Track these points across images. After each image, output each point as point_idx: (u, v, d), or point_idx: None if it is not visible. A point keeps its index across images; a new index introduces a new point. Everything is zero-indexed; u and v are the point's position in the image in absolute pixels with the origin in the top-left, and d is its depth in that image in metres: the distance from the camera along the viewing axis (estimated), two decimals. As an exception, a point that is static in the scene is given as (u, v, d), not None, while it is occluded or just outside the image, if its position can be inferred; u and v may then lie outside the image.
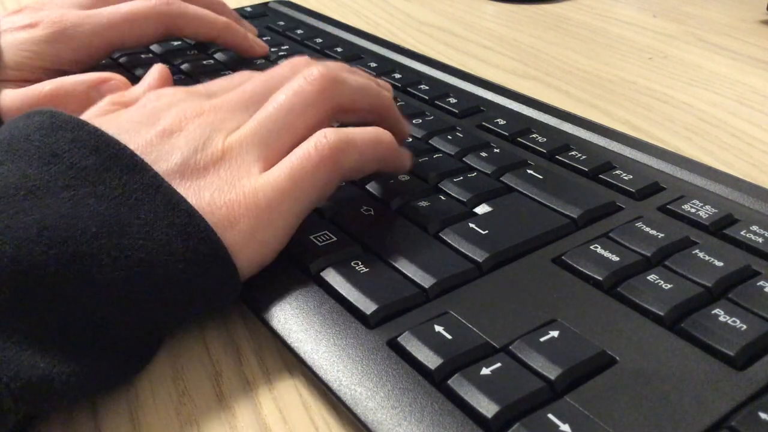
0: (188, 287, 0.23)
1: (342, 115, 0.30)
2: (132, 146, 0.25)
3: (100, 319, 0.21)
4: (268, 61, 0.45)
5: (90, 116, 0.29)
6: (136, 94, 0.31)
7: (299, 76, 0.28)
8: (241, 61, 0.45)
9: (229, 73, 0.33)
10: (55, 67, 0.38)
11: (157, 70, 0.34)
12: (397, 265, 0.25)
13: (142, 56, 0.46)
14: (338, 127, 0.28)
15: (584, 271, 0.25)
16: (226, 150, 0.26)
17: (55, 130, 0.24)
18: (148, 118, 0.27)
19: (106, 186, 0.23)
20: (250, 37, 0.45)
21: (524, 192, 0.30)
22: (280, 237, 0.25)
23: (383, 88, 0.32)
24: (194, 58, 0.45)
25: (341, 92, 0.29)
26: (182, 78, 0.43)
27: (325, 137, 0.26)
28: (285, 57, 0.46)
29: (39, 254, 0.21)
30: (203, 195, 0.25)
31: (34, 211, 0.21)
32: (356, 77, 0.30)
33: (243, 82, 0.31)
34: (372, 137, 0.28)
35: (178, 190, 0.24)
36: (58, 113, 0.25)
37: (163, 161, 0.25)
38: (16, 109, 0.36)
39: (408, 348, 0.22)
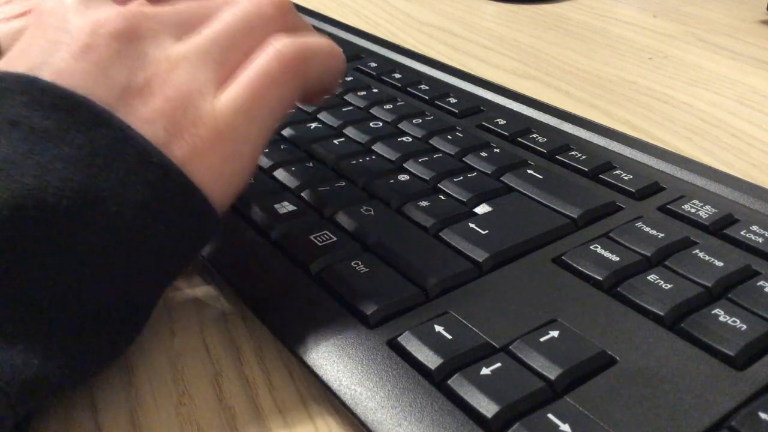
0: (169, 243, 0.22)
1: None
2: (51, 74, 0.22)
3: (84, 297, 0.21)
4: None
5: (26, 37, 0.24)
6: None
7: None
8: None
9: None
10: None
11: None
12: (397, 265, 0.25)
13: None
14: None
15: (584, 271, 0.25)
16: (172, 68, 0.23)
17: (6, 95, 0.22)
18: (61, 34, 0.23)
19: (71, 146, 0.21)
20: None
21: (524, 192, 0.30)
22: (250, 161, 0.24)
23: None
24: None
25: (294, 21, 0.26)
26: None
27: (286, 46, 0.24)
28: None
29: (12, 240, 0.19)
30: (157, 130, 0.22)
31: (1, 187, 0.19)
32: (322, 44, 0.26)
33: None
34: (329, 45, 0.26)
35: (131, 125, 0.22)
36: (4, 74, 0.22)
37: (103, 88, 0.22)
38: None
39: (408, 348, 0.22)
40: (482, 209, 0.29)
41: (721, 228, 0.28)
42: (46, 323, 0.20)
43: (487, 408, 0.19)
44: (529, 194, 0.30)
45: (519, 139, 0.35)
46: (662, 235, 0.27)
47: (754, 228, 0.27)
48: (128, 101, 0.22)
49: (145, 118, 0.22)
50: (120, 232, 0.21)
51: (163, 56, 0.23)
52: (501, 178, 0.31)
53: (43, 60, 0.23)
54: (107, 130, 0.21)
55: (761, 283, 0.24)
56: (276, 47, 0.24)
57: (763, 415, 0.19)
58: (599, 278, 0.25)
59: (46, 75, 0.22)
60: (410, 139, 0.35)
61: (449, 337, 0.22)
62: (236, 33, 0.25)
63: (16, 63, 0.23)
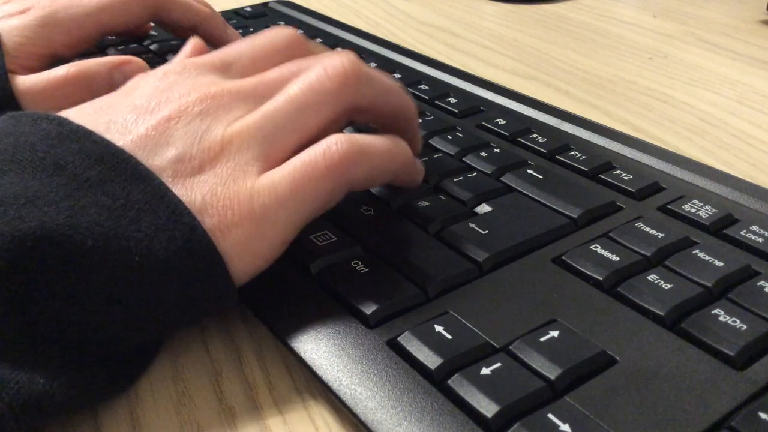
0: (184, 301, 0.22)
1: (360, 116, 0.27)
2: (127, 139, 0.24)
3: (95, 331, 0.21)
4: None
5: (100, 99, 0.27)
6: None
7: (319, 66, 0.26)
8: None
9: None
10: (48, 51, 0.39)
11: (191, 39, 0.31)
12: (397, 265, 0.25)
13: (142, 56, 0.46)
14: (352, 130, 0.26)
15: (584, 271, 0.25)
16: (225, 144, 0.24)
17: (62, 141, 0.23)
18: (148, 102, 0.25)
19: (108, 196, 0.22)
20: (228, 30, 0.46)
21: (524, 192, 0.30)
22: (275, 247, 0.24)
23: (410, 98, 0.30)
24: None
25: (363, 92, 0.26)
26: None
27: (336, 144, 0.24)
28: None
29: (34, 266, 0.20)
30: (195, 196, 0.23)
31: (31, 218, 0.20)
32: (382, 77, 0.27)
33: (264, 55, 0.28)
34: (388, 148, 0.26)
35: (171, 188, 0.23)
36: (66, 122, 0.24)
37: (158, 155, 0.24)
38: (39, 93, 0.36)
39: (408, 348, 0.22)
40: (482, 209, 0.29)
41: (721, 228, 0.28)
42: (54, 349, 0.21)
43: (487, 408, 0.19)
44: (529, 194, 0.30)
45: (519, 139, 0.35)
46: (662, 235, 0.27)
47: (754, 228, 0.27)
48: (177, 170, 0.23)
49: (188, 187, 0.23)
50: (138, 283, 0.21)
51: (221, 132, 0.24)
52: (501, 178, 0.31)
53: (127, 122, 0.24)
54: (144, 186, 0.22)
55: (761, 283, 0.24)
56: (328, 143, 0.24)
57: (763, 415, 0.19)
58: (599, 278, 0.25)
59: (111, 134, 0.24)
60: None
61: (449, 337, 0.22)
62: (299, 110, 0.25)
63: (96, 118, 0.25)
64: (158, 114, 0.25)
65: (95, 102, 0.26)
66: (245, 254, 0.23)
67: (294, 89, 0.25)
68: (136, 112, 0.25)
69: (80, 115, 0.25)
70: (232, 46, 0.29)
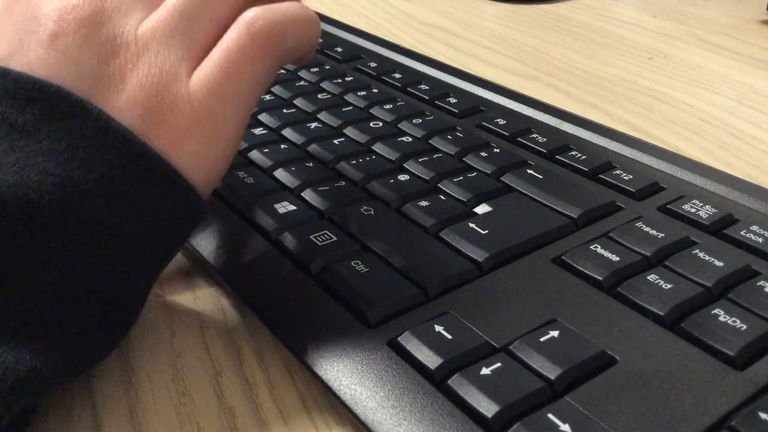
0: (156, 232, 0.22)
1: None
2: (22, 65, 0.21)
3: (74, 292, 0.20)
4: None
5: None
6: None
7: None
8: None
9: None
10: None
11: None
12: (397, 265, 0.25)
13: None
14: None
15: (584, 271, 0.25)
16: (141, 50, 0.22)
17: None
18: (29, 22, 0.22)
19: (51, 139, 0.20)
20: None
21: (524, 192, 0.30)
22: (231, 145, 0.23)
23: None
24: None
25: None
26: None
27: (258, 19, 0.23)
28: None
29: None
30: (134, 118, 0.21)
31: None
32: (294, 13, 0.25)
33: None
34: (302, 12, 0.24)
35: (104, 110, 0.21)
36: None
37: (74, 77, 0.21)
38: None
39: (408, 348, 0.22)
40: (482, 209, 0.29)
41: (721, 228, 0.28)
42: (36, 319, 0.20)
43: (487, 408, 0.19)
44: (529, 194, 0.30)
45: (519, 139, 0.35)
46: (662, 235, 0.27)
47: (754, 228, 0.27)
48: (101, 90, 0.22)
49: (120, 107, 0.22)
50: (106, 225, 0.21)
51: (132, 38, 0.22)
52: (501, 178, 0.31)
53: (13, 50, 0.22)
54: (86, 120, 0.21)
55: (761, 283, 0.24)
56: (247, 20, 0.23)
57: (763, 415, 0.19)
58: (599, 278, 0.25)
59: (17, 66, 0.22)
60: (410, 139, 0.35)
61: (449, 337, 0.22)
62: (201, 3, 0.23)
63: None
64: (57, 31, 0.22)
65: None
66: (204, 162, 0.22)
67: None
68: (34, 37, 0.22)
69: None
70: None
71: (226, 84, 0.22)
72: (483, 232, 0.27)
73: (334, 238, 0.27)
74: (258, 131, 0.36)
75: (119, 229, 0.21)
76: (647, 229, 0.27)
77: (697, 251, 0.26)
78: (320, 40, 0.26)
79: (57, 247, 0.20)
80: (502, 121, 0.37)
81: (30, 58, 0.22)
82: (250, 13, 0.23)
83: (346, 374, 0.22)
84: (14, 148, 0.20)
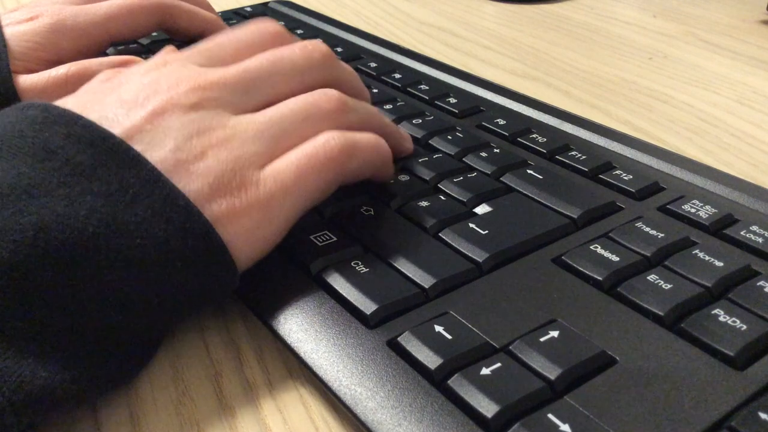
0: (186, 285, 0.23)
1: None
2: (120, 131, 0.24)
3: (99, 321, 0.21)
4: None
5: (84, 91, 0.27)
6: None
7: (319, 92, 0.28)
8: None
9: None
10: (55, 57, 0.39)
11: (169, 46, 0.32)
12: (397, 265, 0.25)
13: (141, 55, 0.46)
14: None
15: (584, 271, 0.25)
16: (229, 136, 0.25)
17: (49, 125, 0.23)
18: (136, 96, 0.25)
19: (102, 182, 0.22)
20: None
21: (524, 192, 0.30)
22: (279, 233, 0.25)
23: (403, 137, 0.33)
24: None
25: (350, 120, 0.29)
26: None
27: (334, 139, 0.26)
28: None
29: (36, 258, 0.20)
30: (202, 184, 0.24)
31: (30, 211, 0.21)
32: (368, 142, 0.28)
33: (245, 46, 0.29)
34: (375, 143, 0.28)
35: (173, 181, 0.23)
36: (51, 107, 0.24)
37: (155, 147, 0.24)
38: (40, 91, 0.36)
39: (408, 348, 0.22)
40: (482, 209, 0.29)
41: (721, 228, 0.28)
42: (57, 342, 0.21)
43: (487, 408, 0.19)
44: (529, 194, 0.30)
45: (519, 139, 0.35)
46: (662, 235, 0.27)
47: (754, 228, 0.27)
48: (179, 159, 0.24)
49: (193, 173, 0.24)
50: (140, 265, 0.22)
51: (223, 124, 0.25)
52: (501, 178, 0.31)
53: (117, 114, 0.24)
54: (138, 171, 0.23)
55: (761, 283, 0.24)
56: (325, 137, 0.26)
57: (763, 415, 0.19)
58: (599, 278, 0.25)
59: (114, 129, 0.24)
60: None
61: (449, 337, 0.22)
62: (295, 119, 0.27)
63: (87, 111, 0.24)
64: (148, 106, 0.25)
65: (79, 96, 0.26)
66: (251, 240, 0.24)
67: (297, 101, 0.27)
68: (126, 106, 0.25)
69: (67, 107, 0.25)
70: (214, 39, 0.30)
71: (292, 180, 0.25)
72: (483, 232, 0.27)
73: (334, 238, 0.27)
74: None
75: (152, 272, 0.22)
76: (647, 229, 0.27)
77: (697, 251, 0.26)
78: (391, 173, 0.30)
79: (91, 277, 0.21)
80: (502, 121, 0.37)
81: (126, 126, 0.24)
82: (330, 133, 0.27)
83: (346, 374, 0.22)
84: (67, 184, 0.22)
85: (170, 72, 0.27)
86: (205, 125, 0.25)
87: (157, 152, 0.24)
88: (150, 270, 0.22)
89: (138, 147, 0.23)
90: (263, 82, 0.28)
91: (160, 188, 0.23)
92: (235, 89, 0.27)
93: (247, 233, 0.24)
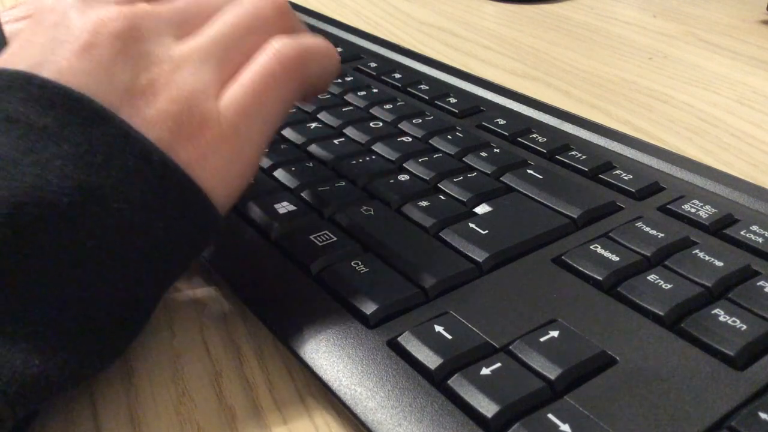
0: (170, 243, 0.22)
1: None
2: (52, 73, 0.22)
3: (86, 297, 0.21)
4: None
5: (20, 39, 0.24)
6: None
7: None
8: None
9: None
10: None
11: None
12: (397, 265, 0.25)
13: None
14: None
15: (584, 271, 0.25)
16: (176, 68, 0.23)
17: (4, 92, 0.21)
18: (62, 31, 0.23)
19: (70, 143, 0.21)
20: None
21: (524, 192, 0.30)
22: (252, 163, 0.24)
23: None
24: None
25: (294, 27, 0.26)
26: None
27: (286, 46, 0.24)
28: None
29: (12, 241, 0.19)
30: (162, 131, 0.22)
31: (0, 186, 0.19)
32: (318, 46, 0.26)
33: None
34: (325, 45, 0.26)
35: (132, 124, 0.22)
36: (1, 72, 0.22)
37: (104, 88, 0.22)
38: None
39: (408, 348, 0.22)
40: (482, 209, 0.29)
41: (721, 228, 0.28)
42: (46, 323, 0.20)
43: (487, 408, 0.19)
44: (529, 194, 0.30)
45: (519, 139, 0.35)
46: (662, 235, 0.27)
47: (754, 228, 0.27)
48: (132, 102, 0.22)
49: (149, 120, 0.22)
50: (121, 230, 0.21)
51: (166, 56, 0.23)
52: (501, 178, 0.31)
53: (44, 58, 0.22)
54: (107, 128, 0.21)
55: (761, 283, 0.24)
56: (276, 47, 0.24)
57: (763, 415, 0.19)
58: (599, 278, 0.25)
59: (47, 73, 0.22)
60: (410, 139, 0.35)
61: (449, 337, 0.22)
62: (237, 33, 0.25)
63: (15, 60, 0.23)
64: (92, 42, 0.22)
65: (16, 42, 0.24)
66: (226, 178, 0.23)
67: (233, 13, 0.25)
68: (67, 47, 0.23)
69: (9, 61, 0.23)
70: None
71: (253, 104, 0.23)
72: (483, 232, 0.27)
73: (334, 238, 0.27)
74: (258, 131, 0.36)
75: (134, 235, 0.21)
76: (647, 229, 0.27)
77: (697, 251, 0.26)
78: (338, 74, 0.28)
79: (72, 250, 0.20)
80: (502, 121, 0.37)
81: (61, 66, 0.22)
82: (280, 41, 0.24)
83: (346, 374, 0.22)
84: (33, 150, 0.20)
85: (105, 6, 0.24)
86: (149, 57, 0.23)
87: (108, 95, 0.22)
88: (131, 234, 0.21)
89: (82, 88, 0.22)
90: (201, 11, 0.26)
91: (131, 143, 0.21)
92: (176, 19, 0.25)
93: (220, 172, 0.23)
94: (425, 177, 0.31)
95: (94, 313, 0.21)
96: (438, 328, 0.22)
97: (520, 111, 0.39)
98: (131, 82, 0.22)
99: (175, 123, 0.22)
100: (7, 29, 0.38)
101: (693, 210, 0.29)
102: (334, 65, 0.27)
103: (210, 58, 0.24)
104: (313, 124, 0.37)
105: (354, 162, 0.32)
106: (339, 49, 0.48)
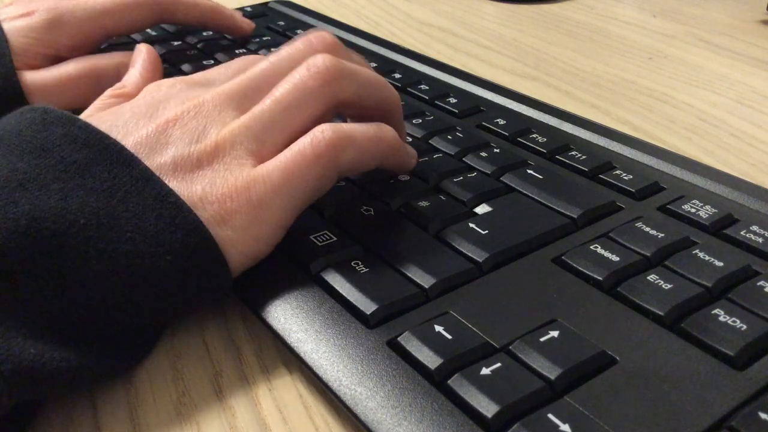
0: (177, 280, 0.23)
1: (345, 110, 0.29)
2: (129, 140, 0.25)
3: (90, 311, 0.22)
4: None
5: (92, 110, 0.29)
6: (133, 82, 0.32)
7: (302, 67, 0.27)
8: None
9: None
10: (53, 52, 0.39)
11: (143, 51, 0.34)
12: (397, 265, 0.25)
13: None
14: (341, 121, 0.27)
15: (584, 271, 0.25)
16: (219, 143, 0.26)
17: (47, 126, 0.24)
18: (147, 110, 0.27)
19: (95, 179, 0.23)
20: (236, 16, 0.47)
21: (524, 192, 0.30)
22: (274, 233, 0.25)
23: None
24: (195, 57, 0.45)
25: (346, 87, 0.28)
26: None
27: (322, 133, 0.26)
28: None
29: (28, 247, 0.21)
30: (195, 189, 0.24)
31: (23, 202, 0.21)
32: (365, 70, 0.29)
33: (244, 68, 0.30)
34: (373, 134, 0.27)
35: (169, 184, 0.24)
36: (50, 110, 0.25)
37: (157, 154, 0.25)
38: (49, 88, 0.37)
39: (408, 348, 0.22)
40: (482, 209, 0.29)
41: (721, 228, 0.28)
42: (48, 325, 0.21)
43: (487, 408, 0.19)
44: (529, 194, 0.30)
45: (519, 139, 0.35)
46: (662, 235, 0.27)
47: (754, 228, 0.27)
48: (175, 164, 0.25)
49: (185, 179, 0.25)
50: (130, 257, 0.22)
51: (215, 138, 0.26)
52: (501, 178, 0.31)
53: (125, 123, 0.26)
54: (130, 170, 0.24)
55: (761, 283, 0.24)
56: (315, 132, 0.26)
57: (763, 415, 0.19)
58: (599, 278, 0.25)
59: (116, 136, 0.25)
60: (410, 139, 0.35)
61: (449, 337, 0.22)
62: (285, 109, 0.27)
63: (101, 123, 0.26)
64: (157, 119, 0.26)
65: (96, 108, 0.28)
66: (245, 238, 0.24)
67: (279, 90, 0.27)
68: (135, 117, 0.26)
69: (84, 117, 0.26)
70: (212, 69, 0.31)
71: (280, 178, 0.25)
72: (483, 232, 0.27)
73: (334, 238, 0.27)
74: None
75: (141, 266, 0.22)
76: (647, 229, 0.27)
77: (697, 251, 0.26)
78: (413, 161, 0.30)
79: (81, 266, 0.21)
80: (502, 121, 0.37)
81: (135, 135, 0.25)
82: (320, 127, 0.26)
83: (346, 374, 0.22)
84: (61, 179, 0.23)
85: (178, 91, 0.28)
86: (203, 134, 0.26)
87: (156, 158, 0.25)
88: (139, 262, 0.22)
89: (140, 153, 0.25)
90: (263, 82, 0.28)
91: (151, 186, 0.24)
92: (237, 99, 0.28)
93: (238, 233, 0.24)
94: (425, 177, 0.31)
95: (94, 327, 0.22)
96: (438, 328, 0.22)
97: (520, 111, 0.39)
98: (181, 152, 0.25)
99: (208, 184, 0.25)
100: (5, 27, 0.38)
101: (693, 210, 0.29)
102: (380, 151, 0.28)
103: (250, 135, 0.26)
104: (313, 124, 0.37)
105: (354, 162, 0.32)
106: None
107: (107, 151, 0.24)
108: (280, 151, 0.26)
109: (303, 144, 0.26)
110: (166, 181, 0.24)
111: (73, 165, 0.23)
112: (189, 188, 0.24)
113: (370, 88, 0.29)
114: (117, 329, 0.23)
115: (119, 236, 0.22)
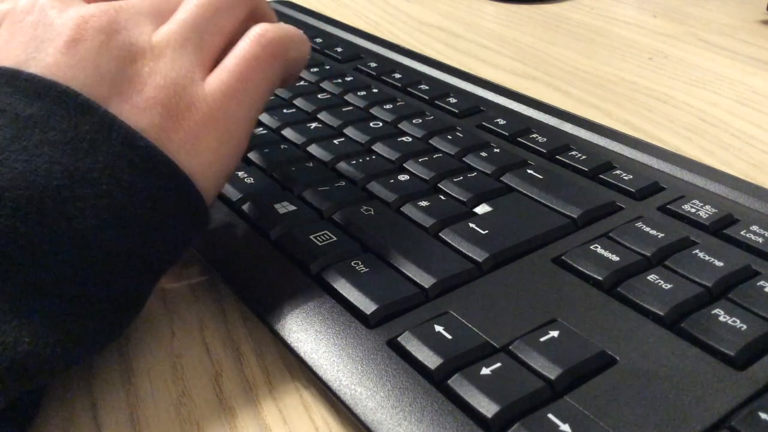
0: (160, 225, 0.22)
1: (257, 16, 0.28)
2: (39, 69, 0.23)
3: (78, 276, 0.21)
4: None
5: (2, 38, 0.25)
6: None
7: None
8: None
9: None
10: None
11: None
12: (397, 265, 0.25)
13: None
14: None
15: (584, 271, 0.25)
16: (157, 56, 0.24)
17: None
18: (43, 30, 0.24)
19: (56, 131, 0.21)
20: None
21: (524, 192, 0.30)
22: (241, 143, 0.25)
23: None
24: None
25: None
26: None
27: (267, 32, 0.25)
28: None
29: (4, 218, 0.20)
30: (153, 119, 0.23)
31: None
32: None
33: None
34: (300, 33, 0.27)
35: (127, 121, 0.22)
36: None
37: (92, 82, 0.23)
38: None
39: (408, 348, 0.22)
40: (482, 209, 0.29)
41: (721, 228, 0.28)
42: (39, 303, 0.20)
43: (487, 408, 0.19)
44: (529, 194, 0.30)
45: (519, 139, 0.35)
46: (662, 235, 0.27)
47: (754, 228, 0.27)
48: (120, 92, 0.23)
49: (139, 107, 0.23)
50: (111, 211, 0.21)
51: (147, 45, 0.24)
52: (501, 178, 0.31)
53: (28, 56, 0.23)
54: (91, 116, 0.22)
55: (761, 283, 0.24)
56: (258, 32, 0.25)
57: (763, 415, 0.19)
58: (599, 278, 0.25)
59: (33, 69, 0.23)
60: (410, 139, 0.35)
61: (449, 337, 0.22)
62: (208, 17, 0.25)
63: None
64: (62, 37, 0.23)
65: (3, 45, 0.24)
66: (216, 162, 0.24)
67: None
68: (50, 43, 0.23)
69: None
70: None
71: (239, 87, 0.24)
72: (483, 232, 0.27)
73: (334, 238, 0.27)
74: (258, 131, 0.36)
75: (123, 217, 0.21)
76: (647, 229, 0.27)
77: (697, 251, 0.26)
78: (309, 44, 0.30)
79: (63, 232, 0.20)
80: (502, 121, 0.37)
81: (47, 63, 0.23)
82: (260, 27, 0.25)
83: (346, 374, 0.22)
84: (21, 137, 0.21)
85: (82, 4, 0.25)
86: (132, 47, 0.24)
87: (94, 88, 0.23)
88: (120, 215, 0.21)
89: (71, 82, 0.22)
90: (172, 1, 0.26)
91: (116, 131, 0.22)
92: (149, 9, 0.25)
93: (209, 158, 0.24)
94: (425, 177, 0.31)
95: (86, 295, 0.21)
96: (438, 328, 0.22)
97: (520, 111, 0.39)
98: (117, 73, 0.23)
99: (164, 108, 0.23)
100: None
101: (693, 210, 0.29)
102: (307, 50, 0.28)
103: (187, 43, 0.25)
104: (313, 124, 0.37)
105: (354, 162, 0.32)
106: (339, 49, 0.48)
107: (61, 99, 0.22)
108: (219, 58, 0.25)
109: (251, 45, 0.25)
110: (123, 118, 0.22)
111: (30, 119, 0.21)
112: (145, 119, 0.23)
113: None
114: (106, 292, 0.22)
115: (95, 191, 0.21)
